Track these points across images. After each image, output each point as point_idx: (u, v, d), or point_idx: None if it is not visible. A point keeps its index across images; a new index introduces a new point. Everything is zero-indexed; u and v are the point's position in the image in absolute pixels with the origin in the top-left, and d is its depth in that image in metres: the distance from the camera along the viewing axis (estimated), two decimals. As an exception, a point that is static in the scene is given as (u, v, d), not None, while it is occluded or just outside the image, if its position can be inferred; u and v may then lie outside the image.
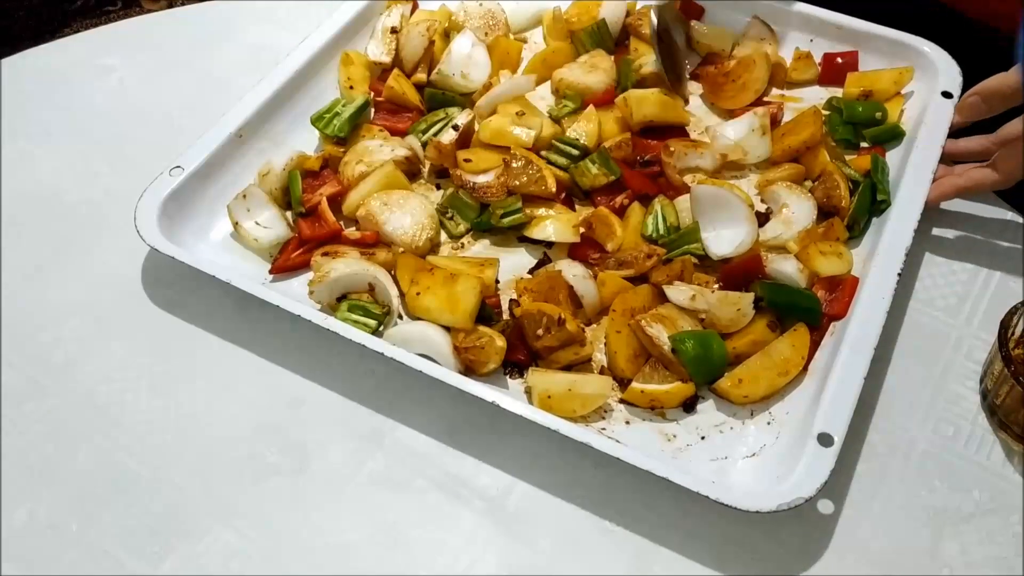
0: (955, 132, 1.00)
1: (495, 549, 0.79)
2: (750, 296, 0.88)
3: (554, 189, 0.97)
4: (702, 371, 0.84)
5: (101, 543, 0.79)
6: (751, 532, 0.79)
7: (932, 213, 0.99)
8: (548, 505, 0.81)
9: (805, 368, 0.86)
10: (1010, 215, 1.01)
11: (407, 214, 0.95)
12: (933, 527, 0.80)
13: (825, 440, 0.77)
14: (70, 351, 0.91)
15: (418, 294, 0.88)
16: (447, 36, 1.13)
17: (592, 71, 1.09)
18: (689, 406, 0.85)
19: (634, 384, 0.84)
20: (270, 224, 0.96)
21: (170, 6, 2.34)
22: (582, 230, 0.95)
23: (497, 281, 0.94)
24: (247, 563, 0.78)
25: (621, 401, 0.85)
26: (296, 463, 0.84)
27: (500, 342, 0.85)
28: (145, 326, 0.93)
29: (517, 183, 0.96)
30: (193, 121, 1.07)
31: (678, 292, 0.88)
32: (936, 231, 1.00)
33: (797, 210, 0.97)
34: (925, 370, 0.89)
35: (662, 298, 0.89)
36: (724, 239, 0.93)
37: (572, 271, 0.91)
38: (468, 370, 0.86)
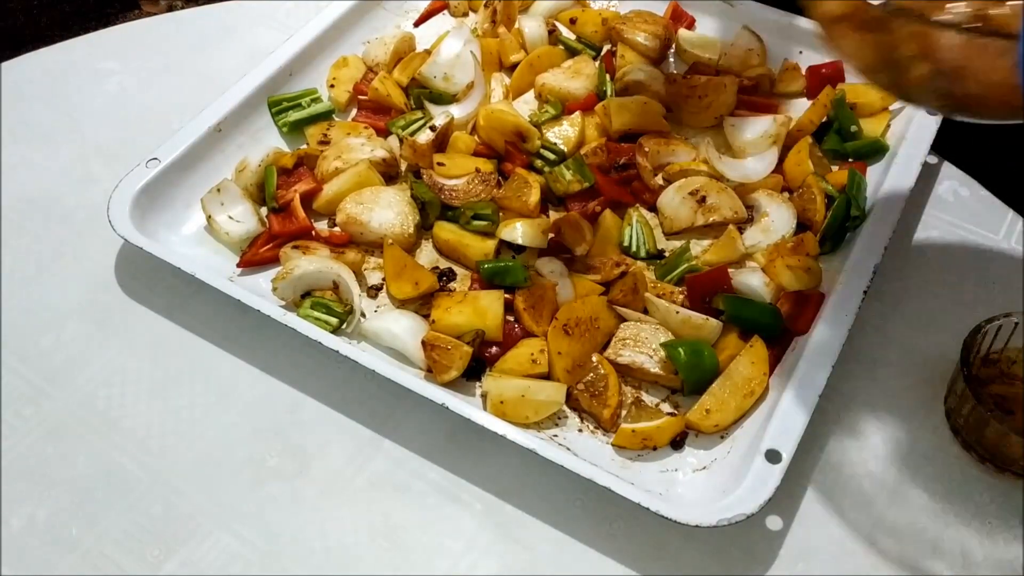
0: None
1: (495, 552, 0.78)
2: (716, 326, 0.87)
3: (532, 205, 0.96)
4: (694, 377, 0.84)
5: (101, 547, 0.79)
6: (752, 535, 0.78)
7: (932, 216, 0.99)
8: (548, 508, 0.80)
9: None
10: (1010, 216, 1.00)
11: (387, 208, 0.96)
12: (933, 528, 0.79)
13: (773, 457, 0.76)
14: (70, 355, 0.91)
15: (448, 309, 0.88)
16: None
17: (575, 77, 1.08)
18: (678, 443, 0.82)
19: (624, 426, 0.81)
20: (242, 219, 0.96)
21: (170, 9, 2.37)
22: (551, 235, 0.94)
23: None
24: (247, 567, 0.78)
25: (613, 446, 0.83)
26: (296, 466, 0.83)
27: (466, 349, 0.85)
28: (145, 330, 0.92)
29: (500, 194, 0.96)
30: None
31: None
32: (935, 233, 0.99)
33: (777, 219, 0.96)
34: (926, 371, 0.88)
35: (612, 312, 0.89)
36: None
37: (550, 267, 0.91)
38: (429, 372, 0.86)
